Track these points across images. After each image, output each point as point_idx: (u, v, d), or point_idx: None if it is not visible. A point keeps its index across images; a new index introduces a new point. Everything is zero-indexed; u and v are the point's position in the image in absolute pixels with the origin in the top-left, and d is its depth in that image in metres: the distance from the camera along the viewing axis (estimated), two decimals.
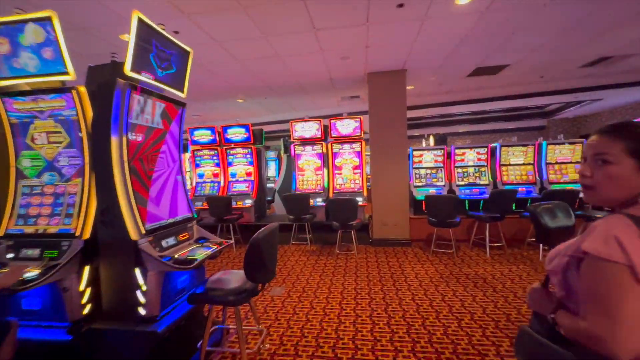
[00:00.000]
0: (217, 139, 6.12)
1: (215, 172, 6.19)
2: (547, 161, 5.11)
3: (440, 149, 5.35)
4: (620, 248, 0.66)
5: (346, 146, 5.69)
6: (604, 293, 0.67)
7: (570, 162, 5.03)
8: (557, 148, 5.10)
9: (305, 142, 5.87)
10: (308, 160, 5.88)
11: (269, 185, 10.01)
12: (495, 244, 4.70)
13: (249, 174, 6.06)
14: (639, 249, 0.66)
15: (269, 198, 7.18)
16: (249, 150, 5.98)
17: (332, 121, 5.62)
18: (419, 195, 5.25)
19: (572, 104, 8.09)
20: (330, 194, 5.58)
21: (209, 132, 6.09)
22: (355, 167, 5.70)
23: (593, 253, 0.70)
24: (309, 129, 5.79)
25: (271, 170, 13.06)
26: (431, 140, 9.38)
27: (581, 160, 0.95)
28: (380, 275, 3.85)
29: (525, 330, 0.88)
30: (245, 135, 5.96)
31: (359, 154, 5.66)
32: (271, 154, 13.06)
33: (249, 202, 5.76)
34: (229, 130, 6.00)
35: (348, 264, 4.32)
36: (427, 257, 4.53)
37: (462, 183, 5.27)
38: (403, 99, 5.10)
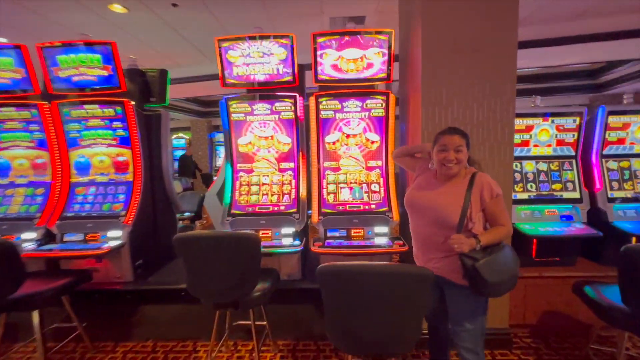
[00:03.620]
0: (33, 83, 2.51)
1: (39, 159, 2.62)
2: None
3: (577, 113, 2.28)
4: (498, 186, 1.35)
5: (350, 105, 2.43)
6: (503, 210, 1.36)
7: None
8: None
9: (254, 93, 2.50)
10: (260, 136, 2.54)
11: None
12: None
13: (120, 167, 2.58)
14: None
15: (187, 214, 3.73)
16: (119, 109, 2.48)
17: (319, 42, 2.31)
18: (529, 225, 2.19)
19: None
20: (314, 218, 2.33)
21: (9, 60, 2.45)
22: (372, 156, 2.49)
23: (500, 193, 1.34)
24: (264, 62, 2.42)
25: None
26: None
27: (440, 149, 1.37)
28: None
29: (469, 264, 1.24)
30: (105, 73, 2.43)
31: (381, 124, 2.44)
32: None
33: (115, 239, 2.33)
34: (60, 58, 2.42)
35: None
36: None
37: (622, 195, 2.28)
38: None
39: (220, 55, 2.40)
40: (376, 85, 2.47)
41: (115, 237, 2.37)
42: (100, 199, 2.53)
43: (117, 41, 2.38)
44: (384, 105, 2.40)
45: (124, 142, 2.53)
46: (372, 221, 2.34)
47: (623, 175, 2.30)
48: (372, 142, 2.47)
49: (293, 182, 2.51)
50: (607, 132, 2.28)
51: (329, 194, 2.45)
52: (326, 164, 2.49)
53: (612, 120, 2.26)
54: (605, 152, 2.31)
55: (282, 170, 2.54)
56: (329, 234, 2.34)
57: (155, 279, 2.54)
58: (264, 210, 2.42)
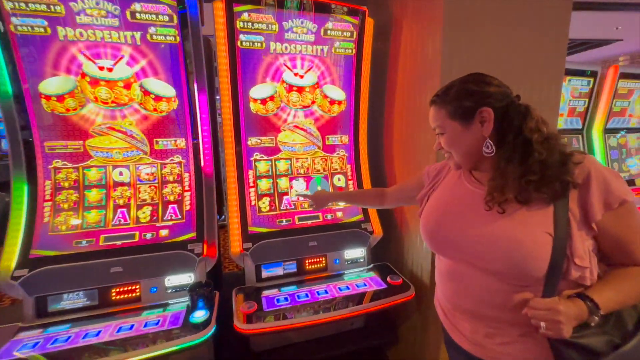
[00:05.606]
0: None
1: None
2: None
3: (593, 73, 1.72)
4: (620, 178, 0.61)
5: (298, 28, 1.28)
6: None
7: None
8: None
9: None
10: (99, 80, 1.15)
11: None
12: None
13: None
14: None
15: None
16: None
17: None
18: None
19: None
20: (235, 247, 1.18)
21: None
22: (334, 128, 1.44)
23: (630, 197, 0.59)
24: None
25: None
26: None
27: None
28: None
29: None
30: None
31: (350, 70, 1.40)
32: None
33: None
34: None
35: None
36: None
37: None
38: None
39: None
40: None
41: None
42: None
43: None
44: (355, 34, 1.35)
45: None
46: (339, 241, 1.34)
47: (621, 155, 1.92)
48: (333, 102, 1.41)
49: (186, 177, 1.25)
50: (614, 101, 1.83)
51: (261, 197, 1.31)
52: (253, 140, 1.32)
53: (622, 85, 1.80)
54: (608, 125, 1.87)
55: (158, 155, 1.24)
56: (265, 274, 1.24)
57: None
58: (118, 244, 1.11)
